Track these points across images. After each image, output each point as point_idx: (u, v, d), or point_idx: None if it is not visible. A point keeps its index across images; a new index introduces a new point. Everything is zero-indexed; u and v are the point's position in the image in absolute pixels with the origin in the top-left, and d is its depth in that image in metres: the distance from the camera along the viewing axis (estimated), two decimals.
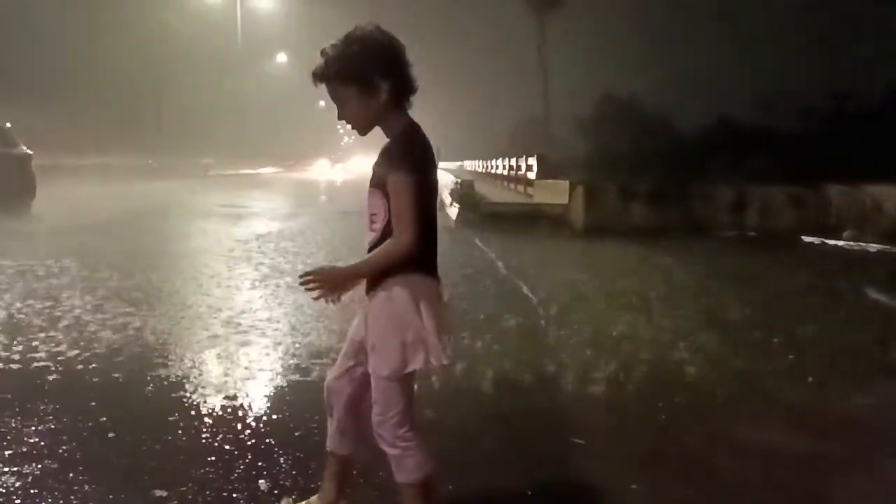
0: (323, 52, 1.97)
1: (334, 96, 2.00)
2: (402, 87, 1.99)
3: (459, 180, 15.25)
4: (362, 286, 2.05)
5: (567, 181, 12.63)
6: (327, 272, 2.00)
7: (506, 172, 21.99)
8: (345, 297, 1.97)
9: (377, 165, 2.00)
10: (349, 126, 2.05)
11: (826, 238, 10.50)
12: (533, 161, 17.30)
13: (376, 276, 1.99)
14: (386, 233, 1.95)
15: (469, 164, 36.65)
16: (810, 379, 4.01)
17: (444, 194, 15.92)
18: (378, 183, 1.97)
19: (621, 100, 36.68)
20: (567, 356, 4.31)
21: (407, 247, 1.91)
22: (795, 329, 5.15)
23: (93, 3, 35.64)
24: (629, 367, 4.12)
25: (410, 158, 1.94)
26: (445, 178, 20.43)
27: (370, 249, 2.00)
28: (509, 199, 16.72)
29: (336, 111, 2.03)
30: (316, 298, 1.97)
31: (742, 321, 5.44)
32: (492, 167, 26.27)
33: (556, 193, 13.03)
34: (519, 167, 19.31)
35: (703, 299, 6.30)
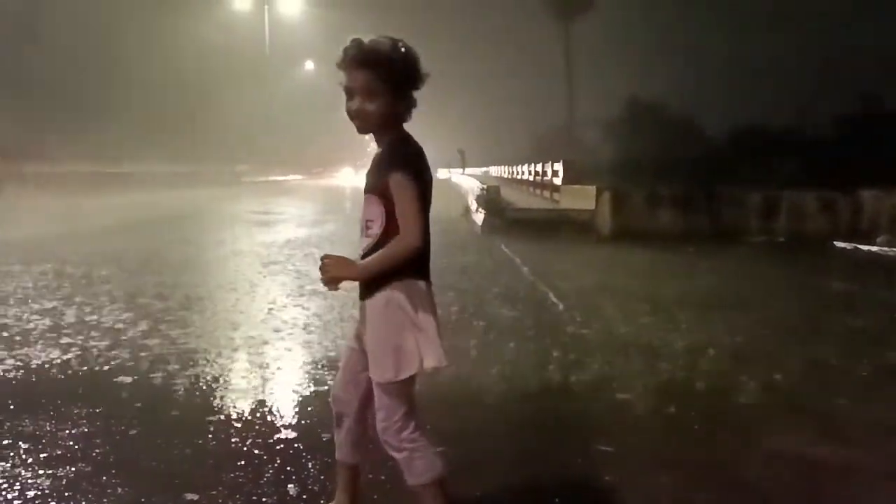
0: (359, 42, 1.95)
1: (361, 85, 1.95)
2: (412, 105, 2.02)
3: (485, 186, 15.21)
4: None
5: (594, 186, 12.52)
6: (341, 261, 2.02)
7: (531, 178, 21.90)
8: (343, 285, 2.00)
9: (371, 172, 2.02)
10: (352, 120, 2.00)
11: (859, 243, 10.31)
12: (559, 166, 17.20)
13: (372, 282, 2.00)
14: (382, 239, 1.96)
15: (494, 170, 36.61)
16: (846, 387, 3.93)
17: (470, 200, 15.91)
18: (373, 189, 1.99)
19: (648, 104, 36.44)
20: (595, 363, 4.28)
21: (413, 245, 1.91)
22: (830, 336, 5.06)
23: (125, 14, 36.37)
24: (659, 373, 4.08)
25: (409, 160, 1.96)
26: (471, 183, 20.43)
27: (364, 256, 2.01)
28: (535, 204, 16.64)
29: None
30: (323, 281, 2.02)
31: (775, 328, 5.35)
32: (517, 173, 26.20)
33: (582, 199, 12.94)
34: (545, 172, 19.22)
35: (734, 306, 6.22)
